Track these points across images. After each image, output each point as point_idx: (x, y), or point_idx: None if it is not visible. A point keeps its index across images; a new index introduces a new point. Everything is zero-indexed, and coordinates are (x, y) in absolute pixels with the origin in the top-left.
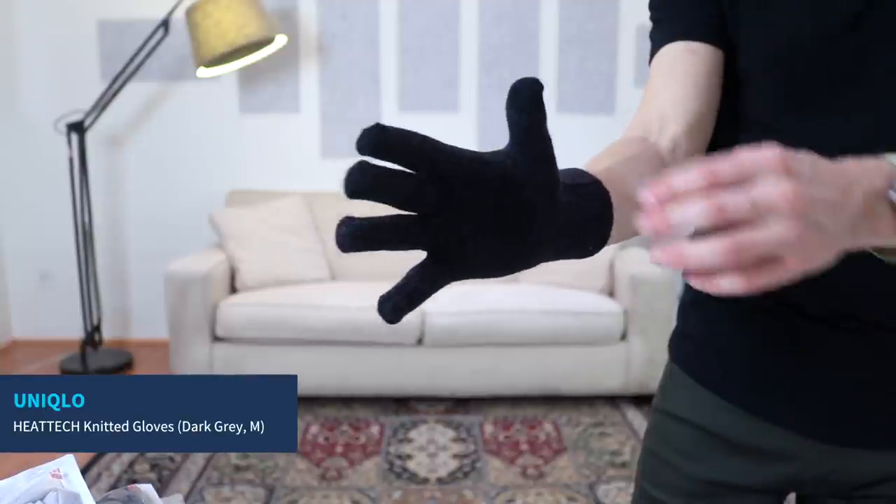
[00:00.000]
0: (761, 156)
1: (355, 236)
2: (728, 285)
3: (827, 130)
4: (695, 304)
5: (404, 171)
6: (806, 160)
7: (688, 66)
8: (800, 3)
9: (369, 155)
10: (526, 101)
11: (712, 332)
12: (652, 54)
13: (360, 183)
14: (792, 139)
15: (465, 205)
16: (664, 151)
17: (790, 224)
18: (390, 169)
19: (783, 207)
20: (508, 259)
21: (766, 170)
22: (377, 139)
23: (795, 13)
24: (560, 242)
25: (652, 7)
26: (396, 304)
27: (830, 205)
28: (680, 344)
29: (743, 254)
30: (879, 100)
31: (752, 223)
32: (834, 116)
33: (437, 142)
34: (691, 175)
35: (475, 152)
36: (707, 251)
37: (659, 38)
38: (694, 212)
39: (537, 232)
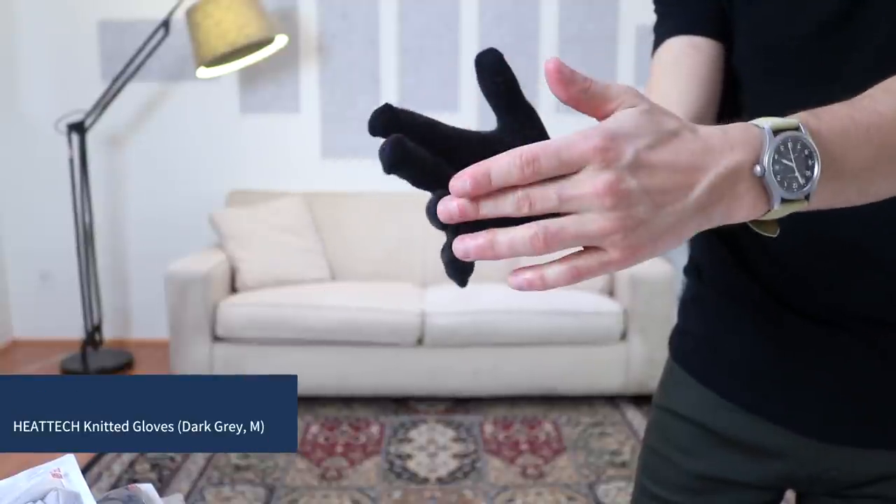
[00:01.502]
0: (581, 146)
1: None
2: (553, 276)
3: None
4: (694, 302)
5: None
6: (636, 144)
7: (690, 60)
8: (786, 1)
9: (381, 134)
10: (494, 67)
11: (710, 329)
12: (655, 47)
13: (393, 157)
14: None
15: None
16: None
17: (601, 217)
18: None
19: (594, 202)
20: None
21: (586, 161)
22: (388, 119)
23: (780, 11)
24: None
25: (655, 1)
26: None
27: (657, 193)
28: (679, 341)
29: (551, 243)
30: None
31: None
32: None
33: (440, 123)
34: (510, 165)
35: (471, 131)
36: (518, 237)
37: (662, 32)
38: (507, 202)
39: None
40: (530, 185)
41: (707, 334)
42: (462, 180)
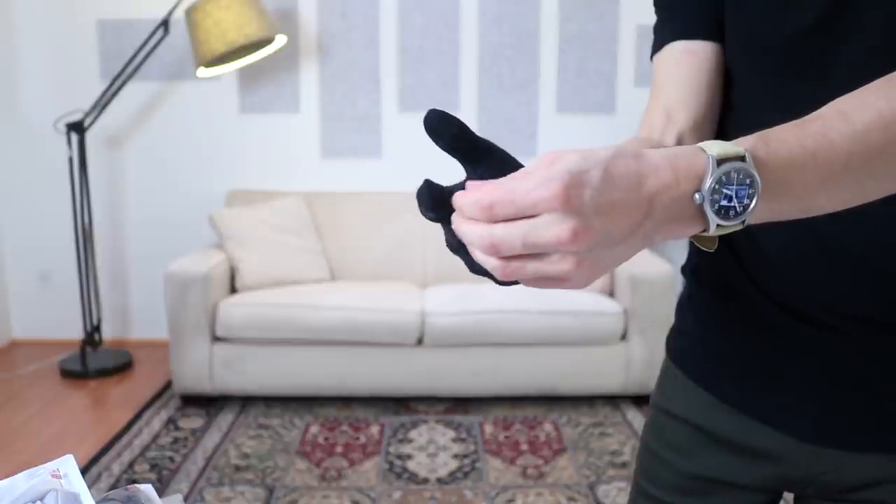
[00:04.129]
0: (538, 194)
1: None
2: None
3: None
4: (690, 301)
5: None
6: (590, 186)
7: (690, 66)
8: (770, 2)
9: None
10: (442, 119)
11: (706, 329)
12: (654, 50)
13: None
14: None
15: None
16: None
17: (561, 259)
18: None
19: (558, 248)
20: None
21: (548, 207)
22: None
23: (766, 13)
24: None
25: (654, 3)
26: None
27: (613, 232)
28: (675, 341)
29: (512, 277)
30: None
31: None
32: (802, 113)
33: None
34: (471, 206)
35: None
36: (487, 262)
37: (660, 37)
38: (474, 238)
39: None
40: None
41: (702, 334)
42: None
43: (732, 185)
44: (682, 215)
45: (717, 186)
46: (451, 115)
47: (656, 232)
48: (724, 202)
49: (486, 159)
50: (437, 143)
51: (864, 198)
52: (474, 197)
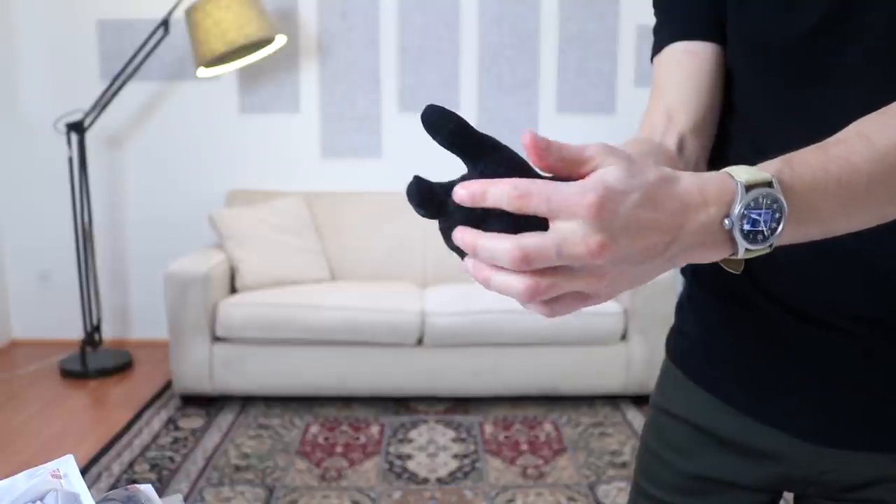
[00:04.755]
0: (575, 200)
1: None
2: (534, 308)
3: (798, 127)
4: (690, 302)
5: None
6: (626, 205)
7: (690, 67)
8: (772, 4)
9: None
10: (440, 115)
11: (706, 329)
12: (654, 52)
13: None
14: (766, 132)
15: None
16: (672, 149)
17: (591, 273)
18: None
19: (587, 260)
20: None
21: (579, 215)
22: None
23: (768, 14)
24: None
25: (654, 5)
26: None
27: (640, 251)
28: (675, 341)
29: (543, 296)
30: (847, 100)
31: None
32: (805, 114)
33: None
34: (503, 194)
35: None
36: (510, 284)
37: (660, 38)
38: (500, 252)
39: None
40: (526, 230)
41: (702, 335)
42: (461, 193)
43: (760, 210)
44: (711, 240)
45: (745, 212)
46: (450, 111)
47: (683, 255)
48: (752, 227)
49: (487, 156)
50: (434, 138)
51: (884, 219)
52: (508, 184)
